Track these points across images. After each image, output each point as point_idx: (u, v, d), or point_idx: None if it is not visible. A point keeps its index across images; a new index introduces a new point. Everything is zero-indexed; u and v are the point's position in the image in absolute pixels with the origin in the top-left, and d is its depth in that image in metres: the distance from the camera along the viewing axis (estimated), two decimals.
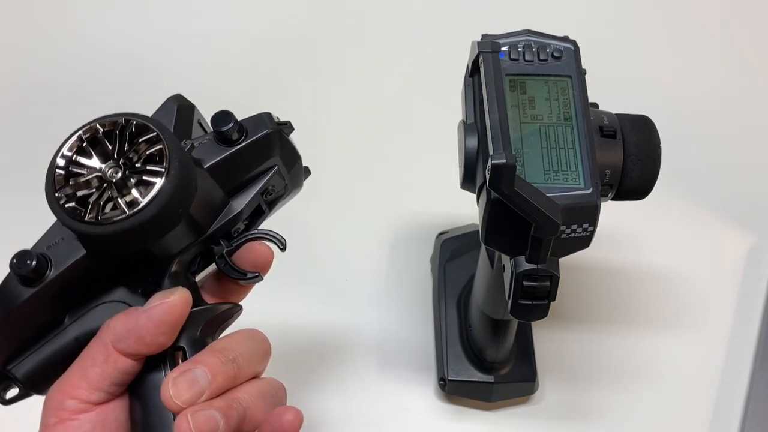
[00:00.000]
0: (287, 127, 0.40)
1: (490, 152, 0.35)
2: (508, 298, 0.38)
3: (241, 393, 0.35)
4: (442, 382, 0.55)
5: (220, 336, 0.39)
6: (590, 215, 0.36)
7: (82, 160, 0.35)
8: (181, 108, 0.39)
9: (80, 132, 0.35)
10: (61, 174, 0.34)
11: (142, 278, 0.38)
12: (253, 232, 0.40)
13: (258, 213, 0.41)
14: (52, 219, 0.35)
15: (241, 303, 0.41)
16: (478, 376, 0.54)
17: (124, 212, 0.33)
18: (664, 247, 0.64)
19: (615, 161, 0.39)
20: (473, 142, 0.39)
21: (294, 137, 0.41)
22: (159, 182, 0.34)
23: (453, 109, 0.44)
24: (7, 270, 0.35)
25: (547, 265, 0.36)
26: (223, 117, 0.37)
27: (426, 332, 0.60)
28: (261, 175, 0.39)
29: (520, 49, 0.40)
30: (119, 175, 0.34)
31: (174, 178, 0.34)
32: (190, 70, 0.72)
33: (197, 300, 0.38)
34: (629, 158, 0.39)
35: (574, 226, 0.36)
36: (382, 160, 0.68)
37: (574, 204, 0.36)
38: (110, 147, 0.35)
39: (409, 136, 0.69)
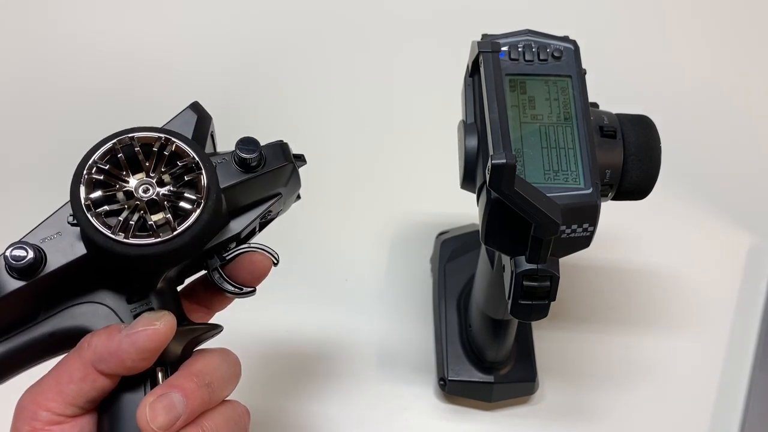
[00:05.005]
0: (300, 160, 0.41)
1: (490, 152, 0.35)
2: (508, 298, 0.38)
3: (207, 421, 0.35)
4: (442, 382, 0.55)
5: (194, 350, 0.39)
6: (590, 215, 0.36)
7: (114, 170, 0.34)
8: (200, 119, 0.39)
9: (115, 140, 0.35)
10: (90, 181, 0.34)
11: (129, 285, 0.37)
12: (245, 246, 0.40)
13: (250, 233, 0.41)
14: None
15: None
16: (478, 376, 0.54)
17: (156, 236, 0.33)
18: (664, 247, 0.64)
19: (615, 161, 0.39)
20: (473, 142, 0.39)
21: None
22: (196, 212, 0.34)
23: (453, 109, 0.44)
24: None
25: (547, 265, 0.36)
26: (249, 144, 0.37)
27: (426, 332, 0.60)
28: (264, 200, 0.39)
29: (520, 49, 0.40)
30: (151, 194, 0.34)
31: (210, 210, 0.34)
32: (189, 71, 0.72)
33: (181, 316, 0.38)
34: (629, 158, 0.39)
35: (574, 226, 0.36)
36: (381, 160, 0.68)
37: (574, 204, 0.36)
38: (146, 164, 0.35)
39: (409, 136, 0.69)
